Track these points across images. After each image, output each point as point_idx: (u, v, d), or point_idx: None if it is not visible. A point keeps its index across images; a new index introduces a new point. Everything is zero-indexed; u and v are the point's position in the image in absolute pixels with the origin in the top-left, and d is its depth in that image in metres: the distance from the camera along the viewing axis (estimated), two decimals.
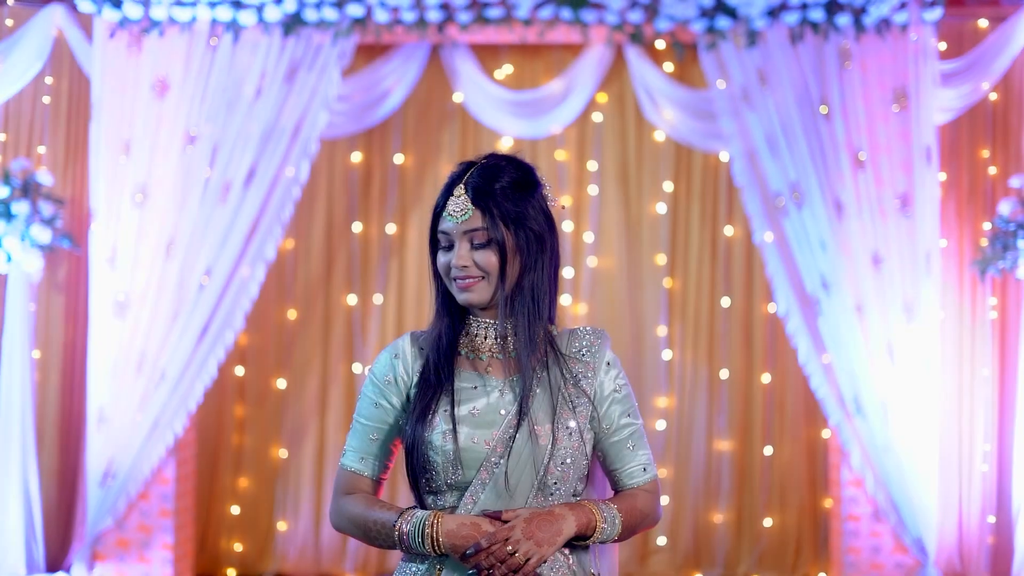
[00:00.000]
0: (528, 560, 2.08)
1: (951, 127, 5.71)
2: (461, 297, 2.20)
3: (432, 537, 2.11)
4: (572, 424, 2.18)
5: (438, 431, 2.16)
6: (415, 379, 2.23)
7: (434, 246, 2.23)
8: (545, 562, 2.12)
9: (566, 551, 2.17)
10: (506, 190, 2.17)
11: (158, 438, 5.49)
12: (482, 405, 2.18)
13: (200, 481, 6.01)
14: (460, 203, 2.17)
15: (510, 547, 2.07)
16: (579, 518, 2.13)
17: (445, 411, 2.17)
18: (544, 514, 2.11)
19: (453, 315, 2.23)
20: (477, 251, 2.17)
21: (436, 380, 2.19)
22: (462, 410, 2.18)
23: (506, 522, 2.11)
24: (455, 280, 2.19)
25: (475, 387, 2.19)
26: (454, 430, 2.15)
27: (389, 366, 2.26)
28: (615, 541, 2.20)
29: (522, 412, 2.16)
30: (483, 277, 2.18)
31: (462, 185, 2.18)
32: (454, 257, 2.17)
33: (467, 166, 2.22)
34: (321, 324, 6.12)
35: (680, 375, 6.09)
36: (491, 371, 2.21)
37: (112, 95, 5.46)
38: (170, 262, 5.45)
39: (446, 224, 2.18)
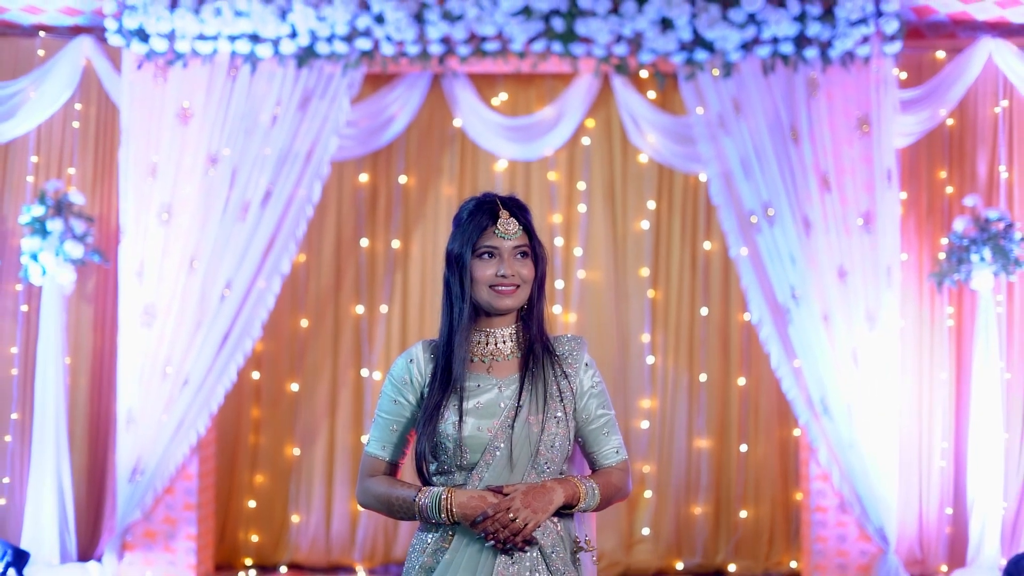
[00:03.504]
0: (526, 525, 2.44)
1: (911, 150, 5.88)
2: (503, 303, 2.52)
3: (447, 508, 2.47)
4: (559, 415, 2.54)
5: (449, 422, 2.51)
6: (428, 379, 2.57)
7: (452, 265, 2.53)
8: (539, 527, 2.47)
9: (555, 519, 2.53)
10: (529, 217, 2.57)
11: (182, 438, 5.65)
12: (485, 400, 2.54)
13: (220, 477, 6.17)
14: (511, 224, 2.53)
15: (512, 514, 2.43)
16: (566, 490, 2.49)
17: (455, 405, 2.52)
18: (538, 487, 2.47)
19: (468, 327, 2.57)
20: (519, 263, 2.53)
21: (446, 380, 2.54)
22: (469, 404, 2.52)
23: (507, 494, 2.46)
24: (496, 288, 2.51)
25: (479, 385, 2.55)
26: (461, 420, 2.50)
27: (405, 369, 2.61)
28: (595, 511, 2.56)
29: (519, 405, 2.52)
30: (518, 286, 2.52)
31: (505, 211, 2.53)
32: (503, 267, 2.50)
33: (491, 197, 2.57)
34: (331, 332, 6.25)
35: (663, 379, 6.28)
36: (493, 371, 2.57)
37: (140, 122, 5.60)
38: (193, 276, 5.58)
39: (496, 241, 2.52)
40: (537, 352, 2.58)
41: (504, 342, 2.59)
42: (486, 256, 2.54)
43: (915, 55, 5.87)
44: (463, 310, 2.55)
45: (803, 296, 5.54)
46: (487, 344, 2.58)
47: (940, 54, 5.93)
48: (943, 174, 5.97)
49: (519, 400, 2.53)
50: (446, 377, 2.56)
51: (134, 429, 5.60)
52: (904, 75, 5.82)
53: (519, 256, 2.54)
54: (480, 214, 2.56)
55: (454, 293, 2.56)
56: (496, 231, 2.54)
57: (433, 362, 2.59)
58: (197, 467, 5.77)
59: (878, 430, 5.56)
